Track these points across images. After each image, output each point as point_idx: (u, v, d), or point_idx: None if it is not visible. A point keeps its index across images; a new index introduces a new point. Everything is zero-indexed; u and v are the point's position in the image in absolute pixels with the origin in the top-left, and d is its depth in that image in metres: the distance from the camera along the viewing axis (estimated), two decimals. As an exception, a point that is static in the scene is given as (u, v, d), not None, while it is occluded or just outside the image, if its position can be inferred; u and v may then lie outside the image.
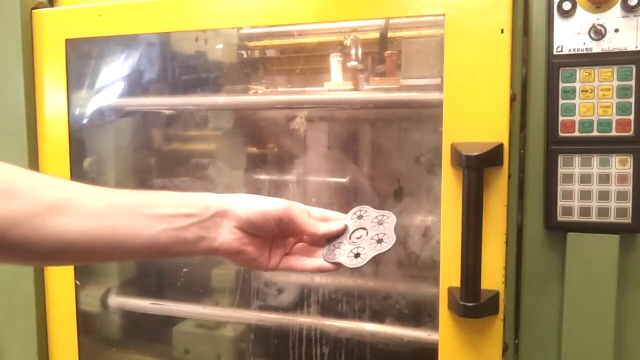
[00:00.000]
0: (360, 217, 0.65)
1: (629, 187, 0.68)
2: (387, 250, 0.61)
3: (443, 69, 0.72)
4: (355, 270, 0.73)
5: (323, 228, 0.64)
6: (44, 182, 0.56)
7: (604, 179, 0.69)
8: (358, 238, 0.63)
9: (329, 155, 1.05)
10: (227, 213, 0.60)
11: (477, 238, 0.68)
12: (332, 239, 0.64)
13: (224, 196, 0.62)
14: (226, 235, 0.60)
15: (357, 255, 0.61)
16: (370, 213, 0.65)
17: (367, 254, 0.61)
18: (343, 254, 0.62)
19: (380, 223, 0.64)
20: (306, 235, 0.65)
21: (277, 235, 0.64)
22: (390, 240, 0.61)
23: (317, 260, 0.63)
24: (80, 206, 0.55)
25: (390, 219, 0.64)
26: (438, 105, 0.73)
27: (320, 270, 0.64)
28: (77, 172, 0.98)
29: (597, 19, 0.68)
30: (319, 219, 0.66)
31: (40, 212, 0.53)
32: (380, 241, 0.61)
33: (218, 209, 0.60)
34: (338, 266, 0.61)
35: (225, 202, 0.61)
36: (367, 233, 0.63)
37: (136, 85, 1.11)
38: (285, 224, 0.62)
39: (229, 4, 0.83)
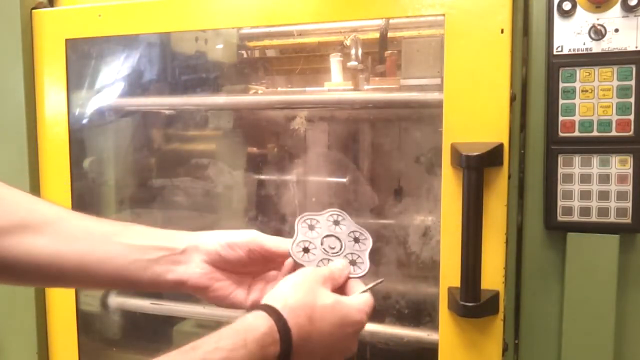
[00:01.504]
0: (336, 222, 0.63)
1: (629, 187, 0.68)
2: (372, 244, 0.61)
3: (443, 69, 0.72)
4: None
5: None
6: (25, 202, 0.58)
7: (604, 179, 0.69)
8: (332, 248, 0.61)
9: (329, 155, 1.05)
10: (197, 248, 0.60)
11: (477, 238, 0.68)
12: (298, 253, 0.61)
13: (199, 234, 0.63)
14: (194, 269, 0.60)
15: (353, 263, 0.60)
16: (348, 224, 0.63)
17: (363, 257, 0.60)
18: (313, 259, 0.60)
19: (356, 241, 0.62)
20: (281, 258, 0.62)
21: (253, 268, 0.63)
22: (364, 267, 0.60)
23: None
24: (55, 229, 0.57)
25: (368, 241, 0.62)
26: (438, 105, 0.73)
27: None
28: (77, 172, 0.98)
29: (597, 19, 0.68)
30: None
31: (16, 229, 0.55)
32: (353, 263, 0.60)
33: (189, 244, 0.60)
34: None
35: (198, 238, 0.61)
36: (342, 247, 0.61)
37: (136, 85, 1.11)
38: (257, 253, 0.61)
39: (229, 4, 0.83)
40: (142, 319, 1.11)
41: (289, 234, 1.07)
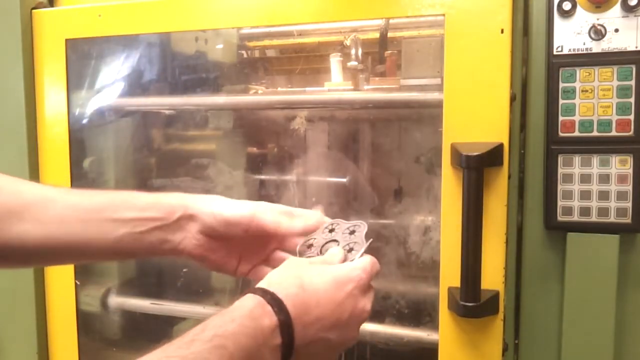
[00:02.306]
0: (331, 230, 0.63)
1: (629, 187, 0.68)
2: (356, 258, 0.59)
3: (443, 69, 0.72)
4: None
5: (298, 224, 0.61)
6: (8, 186, 0.56)
7: (604, 179, 0.69)
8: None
9: (329, 155, 1.05)
10: (193, 217, 0.58)
11: (477, 238, 0.68)
12: (303, 251, 0.61)
13: (192, 198, 0.60)
14: (189, 241, 0.58)
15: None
16: (342, 225, 0.63)
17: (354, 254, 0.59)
18: None
19: (351, 233, 0.62)
20: (280, 236, 0.62)
21: (250, 242, 0.61)
22: (359, 247, 0.59)
23: None
24: (41, 212, 0.55)
25: (362, 227, 0.62)
26: (438, 105, 0.73)
27: None
28: (77, 172, 0.98)
29: (597, 19, 0.68)
30: (286, 213, 0.62)
31: (1, 217, 0.53)
32: (350, 250, 0.59)
33: (184, 213, 0.58)
34: None
35: (193, 205, 0.59)
36: (338, 244, 0.61)
37: (136, 85, 1.11)
38: (255, 232, 0.59)
39: (229, 4, 0.83)
40: (142, 319, 1.11)
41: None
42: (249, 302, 0.47)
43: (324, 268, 0.53)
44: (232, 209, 0.59)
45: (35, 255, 0.56)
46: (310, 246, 0.60)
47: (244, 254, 0.62)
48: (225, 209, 0.59)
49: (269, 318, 0.47)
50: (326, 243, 0.61)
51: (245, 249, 0.62)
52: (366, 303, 0.54)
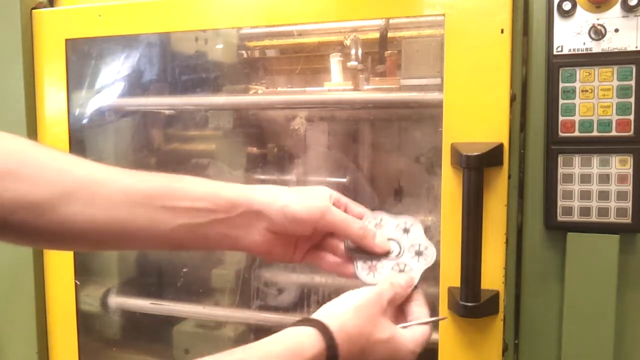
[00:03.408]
0: (378, 225, 0.60)
1: (629, 187, 0.68)
2: (433, 263, 0.57)
3: (443, 69, 0.72)
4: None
5: (373, 240, 0.58)
6: (56, 163, 0.50)
7: (604, 179, 0.69)
8: (391, 252, 0.58)
9: (329, 155, 1.05)
10: (260, 214, 0.54)
11: (477, 238, 0.68)
12: (358, 251, 0.58)
13: (257, 192, 0.56)
14: (255, 237, 0.55)
15: (400, 272, 0.57)
16: (389, 220, 0.60)
17: (415, 270, 0.56)
18: (383, 272, 0.57)
19: (406, 231, 0.59)
20: (346, 236, 0.59)
21: (313, 237, 0.60)
22: (431, 252, 0.57)
23: (344, 263, 0.60)
24: (92, 194, 0.50)
25: (415, 225, 0.60)
26: (438, 105, 0.73)
27: (343, 276, 0.60)
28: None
29: (597, 19, 0.68)
30: (357, 216, 0.61)
31: (48, 198, 0.48)
32: (419, 253, 0.57)
33: (248, 208, 0.54)
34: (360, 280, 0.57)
35: (258, 200, 0.55)
36: (401, 246, 0.58)
37: (136, 85, 1.11)
38: (323, 229, 0.57)
39: (229, 4, 0.83)
40: (142, 319, 1.11)
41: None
42: (310, 348, 0.46)
43: (391, 338, 0.51)
44: (302, 205, 0.55)
45: (83, 239, 0.52)
46: (368, 268, 0.58)
47: (299, 242, 0.60)
48: (295, 205, 0.55)
49: None
50: (390, 239, 0.59)
51: (301, 236, 0.60)
52: None
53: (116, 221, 0.51)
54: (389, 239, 0.59)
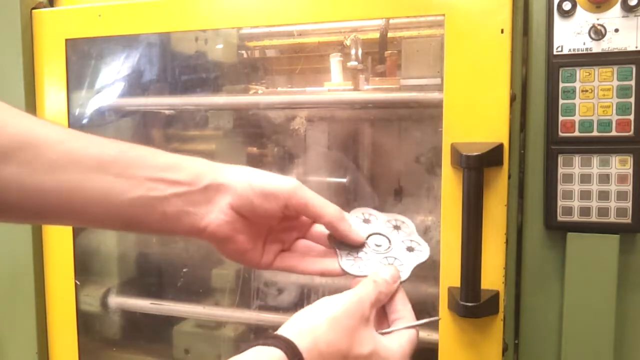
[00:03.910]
0: (367, 221, 0.56)
1: (629, 187, 0.68)
2: (425, 260, 0.53)
3: (443, 69, 0.72)
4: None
5: (350, 227, 0.51)
6: None
7: (604, 179, 0.69)
8: (379, 246, 0.54)
9: (329, 155, 1.05)
10: (224, 188, 0.48)
11: (477, 238, 0.68)
12: (342, 244, 0.53)
13: (222, 166, 0.50)
14: (216, 216, 0.48)
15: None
16: (378, 216, 0.57)
17: (405, 264, 0.52)
18: (369, 264, 0.51)
19: (397, 228, 0.56)
20: (322, 222, 0.51)
21: (276, 225, 0.52)
22: (424, 248, 0.53)
23: (322, 261, 0.53)
24: (33, 155, 0.43)
25: (407, 223, 0.56)
26: (438, 105, 0.73)
27: (324, 274, 0.53)
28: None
29: (597, 19, 0.68)
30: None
31: None
32: (410, 249, 0.53)
33: (213, 181, 0.48)
34: (344, 272, 0.52)
35: (223, 174, 0.49)
36: (390, 240, 0.54)
37: (136, 85, 1.11)
38: (293, 209, 0.50)
39: (229, 4, 0.83)
40: (142, 319, 1.11)
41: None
42: None
43: (374, 352, 0.44)
44: (272, 179, 0.49)
45: (21, 209, 0.45)
46: (353, 260, 0.53)
47: (267, 242, 0.53)
48: (264, 179, 0.49)
49: None
50: (371, 235, 0.54)
51: (269, 237, 0.53)
52: None
53: (60, 189, 0.44)
54: (377, 234, 0.55)
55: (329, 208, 0.50)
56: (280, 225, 0.53)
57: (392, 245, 0.54)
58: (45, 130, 0.45)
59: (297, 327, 0.42)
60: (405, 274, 0.51)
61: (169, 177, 0.46)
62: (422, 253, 0.53)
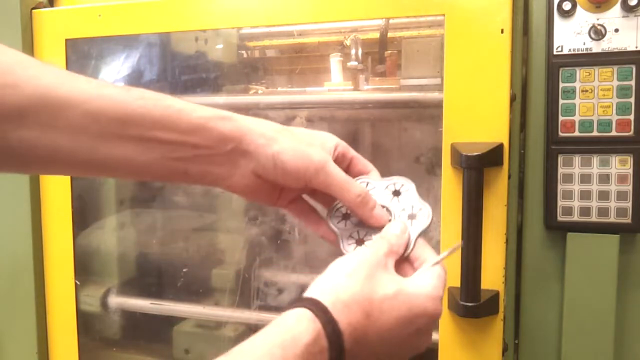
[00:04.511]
0: (397, 193, 0.53)
1: (629, 187, 0.68)
2: (428, 225, 0.50)
3: (443, 69, 0.72)
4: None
5: (372, 211, 0.50)
6: (8, 77, 0.41)
7: (604, 179, 0.69)
8: None
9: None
10: (249, 155, 0.47)
11: (477, 238, 0.68)
12: (334, 217, 0.52)
13: (252, 129, 0.48)
14: (238, 179, 0.48)
15: None
16: (377, 185, 0.53)
17: (410, 233, 0.49)
18: (350, 229, 0.50)
19: (396, 194, 0.53)
20: (339, 198, 0.50)
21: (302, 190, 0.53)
22: (426, 212, 0.50)
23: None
24: (52, 116, 0.41)
25: (407, 186, 0.52)
26: (438, 105, 0.73)
27: (323, 238, 0.53)
28: (77, 172, 0.98)
29: (597, 19, 0.68)
30: (359, 173, 0.54)
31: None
32: (413, 217, 0.51)
33: (237, 146, 0.47)
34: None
35: (250, 139, 0.47)
36: (390, 212, 0.52)
37: (136, 85, 1.11)
38: (314, 186, 0.49)
39: (229, 4, 0.83)
40: (142, 319, 1.11)
41: (289, 233, 1.07)
42: (305, 333, 0.39)
43: (399, 292, 0.44)
44: (297, 157, 0.48)
45: (42, 166, 0.46)
46: (346, 216, 0.51)
47: (285, 189, 0.53)
48: (289, 155, 0.48)
49: (322, 357, 0.39)
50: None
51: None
52: (428, 337, 0.47)
53: (82, 149, 0.43)
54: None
55: (349, 195, 0.49)
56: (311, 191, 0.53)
57: (393, 218, 0.52)
58: (66, 89, 0.42)
59: (319, 287, 0.43)
60: (410, 246, 0.50)
61: (193, 141, 0.46)
62: (425, 219, 0.50)
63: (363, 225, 0.51)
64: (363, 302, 0.42)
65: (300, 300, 0.41)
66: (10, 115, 0.40)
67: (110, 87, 0.44)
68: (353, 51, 0.98)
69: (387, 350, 0.43)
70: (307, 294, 0.42)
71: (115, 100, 0.44)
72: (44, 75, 0.42)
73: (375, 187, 0.54)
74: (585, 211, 0.69)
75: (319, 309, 0.40)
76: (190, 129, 0.45)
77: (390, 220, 0.51)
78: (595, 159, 0.69)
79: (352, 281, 0.43)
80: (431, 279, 0.46)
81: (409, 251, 0.49)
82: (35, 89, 0.41)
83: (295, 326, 0.39)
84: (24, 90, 0.40)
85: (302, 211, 0.54)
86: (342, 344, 0.40)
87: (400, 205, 0.52)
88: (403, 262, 0.49)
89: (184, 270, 1.12)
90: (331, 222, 0.52)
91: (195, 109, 0.46)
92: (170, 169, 0.46)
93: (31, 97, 0.40)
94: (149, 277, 1.16)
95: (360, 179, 0.54)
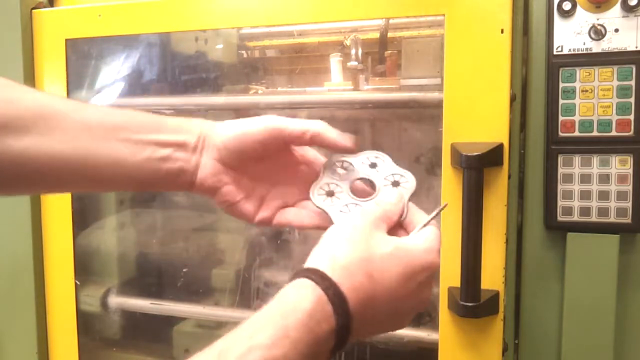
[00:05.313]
0: (343, 167, 0.53)
1: (629, 187, 0.68)
2: (415, 189, 0.51)
3: (443, 69, 0.72)
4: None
5: (334, 133, 0.51)
6: (6, 92, 0.47)
7: (604, 179, 0.69)
8: (368, 193, 0.52)
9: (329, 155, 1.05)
10: (207, 142, 0.51)
11: (477, 238, 0.68)
12: (321, 199, 0.51)
13: (209, 123, 0.52)
14: (203, 170, 0.51)
15: None
16: (353, 161, 0.53)
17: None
18: (337, 204, 0.50)
19: (373, 166, 0.53)
20: (308, 140, 0.51)
21: (269, 164, 0.53)
22: (408, 178, 0.50)
23: (320, 215, 0.52)
24: (50, 125, 0.46)
25: (381, 157, 0.53)
26: (438, 105, 0.73)
27: (319, 228, 0.52)
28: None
29: (597, 19, 0.68)
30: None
31: None
32: (396, 184, 0.51)
33: (200, 135, 0.51)
34: None
35: (208, 128, 0.51)
36: (373, 183, 0.52)
37: (136, 85, 1.11)
38: (274, 139, 0.50)
39: (229, 4, 0.83)
40: (142, 319, 1.11)
41: (289, 233, 1.07)
42: (306, 301, 0.39)
43: (396, 249, 0.44)
44: (248, 120, 0.51)
45: (37, 178, 0.48)
46: (330, 193, 0.51)
47: (266, 197, 0.54)
48: (240, 123, 0.51)
49: (328, 322, 0.39)
50: (361, 179, 0.52)
51: (270, 192, 0.54)
52: (429, 290, 0.47)
53: (76, 156, 0.47)
54: (359, 179, 0.53)
55: (309, 123, 0.51)
56: (281, 163, 0.54)
57: (377, 187, 0.52)
58: (58, 102, 0.48)
59: (316, 257, 0.43)
60: (411, 179, 0.51)
61: (170, 139, 0.50)
62: (410, 184, 0.51)
63: (350, 198, 0.51)
64: (363, 264, 0.42)
65: (299, 272, 0.42)
66: (13, 124, 0.45)
67: (95, 104, 0.51)
68: (353, 51, 0.98)
69: (393, 309, 0.44)
70: (306, 265, 0.43)
71: (102, 111, 0.50)
72: (36, 92, 0.49)
73: (352, 163, 0.54)
74: (585, 211, 0.69)
75: (318, 276, 0.40)
76: (174, 128, 0.50)
77: (373, 183, 0.52)
78: (595, 159, 0.69)
79: (349, 245, 0.43)
80: (426, 235, 0.47)
81: (404, 216, 0.49)
82: (32, 102, 0.47)
83: (295, 295, 0.40)
84: (24, 102, 0.46)
85: (288, 215, 0.54)
86: (347, 308, 0.40)
87: (381, 175, 0.53)
88: (398, 229, 0.49)
89: (184, 270, 1.12)
90: (317, 203, 0.52)
91: (172, 117, 0.52)
92: (155, 169, 0.49)
93: (31, 109, 0.46)
94: (149, 277, 1.16)
95: (334, 157, 0.54)
